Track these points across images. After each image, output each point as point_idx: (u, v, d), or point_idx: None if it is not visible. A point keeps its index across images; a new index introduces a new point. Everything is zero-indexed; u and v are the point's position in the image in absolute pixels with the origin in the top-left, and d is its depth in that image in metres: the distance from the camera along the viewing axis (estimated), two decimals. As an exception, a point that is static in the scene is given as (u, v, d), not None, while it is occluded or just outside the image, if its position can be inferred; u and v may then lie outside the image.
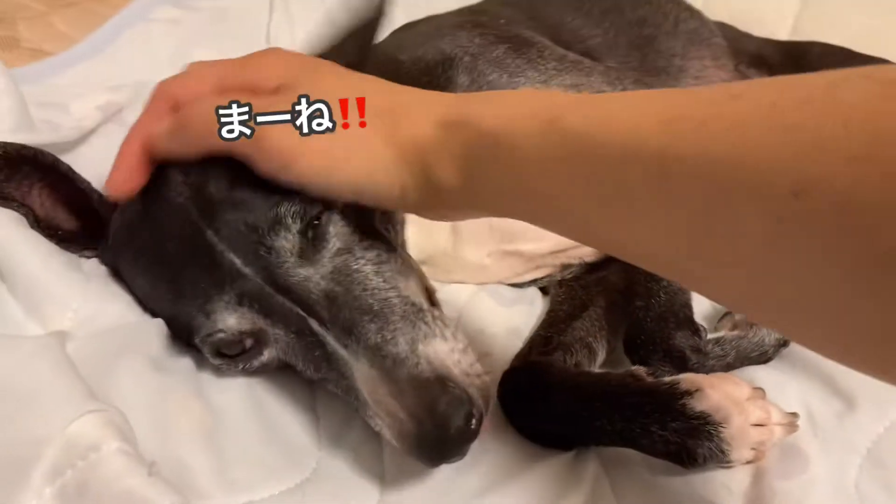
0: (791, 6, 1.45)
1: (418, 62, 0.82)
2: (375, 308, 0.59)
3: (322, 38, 0.72)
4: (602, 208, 0.45)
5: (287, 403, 0.64)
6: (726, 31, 1.20)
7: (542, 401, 0.65)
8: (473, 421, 0.55)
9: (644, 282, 0.76)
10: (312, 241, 0.60)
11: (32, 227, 0.68)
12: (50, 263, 0.66)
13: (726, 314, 0.80)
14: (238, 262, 0.58)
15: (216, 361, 0.63)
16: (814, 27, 1.41)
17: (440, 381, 0.55)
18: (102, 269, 0.70)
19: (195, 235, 0.59)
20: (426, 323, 0.59)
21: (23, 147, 0.67)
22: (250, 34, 1.16)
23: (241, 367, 0.63)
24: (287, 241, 0.59)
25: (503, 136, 0.49)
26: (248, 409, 0.62)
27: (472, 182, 0.52)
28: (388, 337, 0.57)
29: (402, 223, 0.75)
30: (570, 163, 0.45)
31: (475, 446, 0.56)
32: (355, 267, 0.61)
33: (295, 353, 0.61)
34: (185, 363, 0.65)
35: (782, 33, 1.42)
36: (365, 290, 0.60)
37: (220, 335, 0.60)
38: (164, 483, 0.47)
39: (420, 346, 0.57)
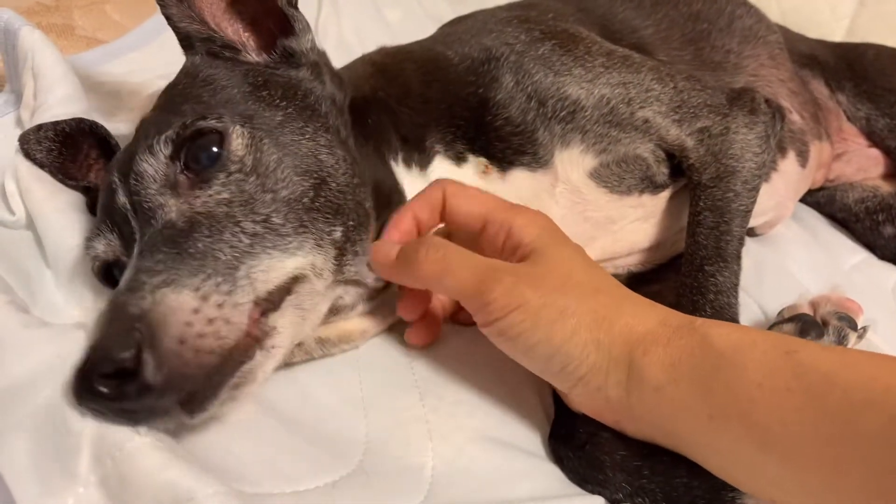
0: (847, 7, 1.42)
1: (465, 59, 0.81)
2: (190, 250, 0.55)
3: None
4: (817, 445, 0.45)
5: (333, 395, 0.64)
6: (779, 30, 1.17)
7: (593, 446, 0.62)
8: (129, 386, 0.48)
9: (690, 294, 0.75)
10: (192, 180, 0.60)
11: (89, 207, 0.70)
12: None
13: (773, 325, 0.78)
14: (120, 189, 0.61)
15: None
16: (871, 29, 1.38)
17: (129, 320, 0.49)
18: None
19: (108, 179, 0.63)
20: (209, 279, 0.54)
21: (80, 121, 0.70)
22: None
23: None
24: (150, 167, 0.59)
25: (732, 352, 0.51)
26: (294, 399, 0.62)
27: (678, 388, 0.53)
28: (158, 268, 0.53)
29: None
30: (801, 395, 0.47)
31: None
32: (239, 220, 0.58)
33: None
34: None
35: (837, 34, 1.39)
36: (210, 237, 0.57)
37: (96, 263, 0.63)
38: (203, 473, 0.48)
39: (166, 289, 0.52)
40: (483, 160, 0.79)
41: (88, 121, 0.70)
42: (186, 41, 0.70)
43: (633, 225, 0.85)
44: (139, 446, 0.48)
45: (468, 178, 0.78)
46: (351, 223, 0.65)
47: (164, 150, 0.59)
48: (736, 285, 0.76)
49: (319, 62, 0.73)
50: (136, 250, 0.57)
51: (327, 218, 0.63)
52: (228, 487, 0.47)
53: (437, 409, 0.64)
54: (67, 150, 0.70)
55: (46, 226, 0.66)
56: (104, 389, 0.48)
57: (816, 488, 0.46)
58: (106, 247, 0.62)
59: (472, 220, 0.66)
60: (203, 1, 0.69)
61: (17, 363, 0.52)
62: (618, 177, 0.81)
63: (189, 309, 0.52)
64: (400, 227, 0.68)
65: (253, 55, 0.71)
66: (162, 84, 0.89)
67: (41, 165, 0.69)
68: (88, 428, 0.48)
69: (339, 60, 0.90)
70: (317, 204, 0.63)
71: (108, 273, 0.64)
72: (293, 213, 0.61)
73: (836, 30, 1.40)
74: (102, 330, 0.50)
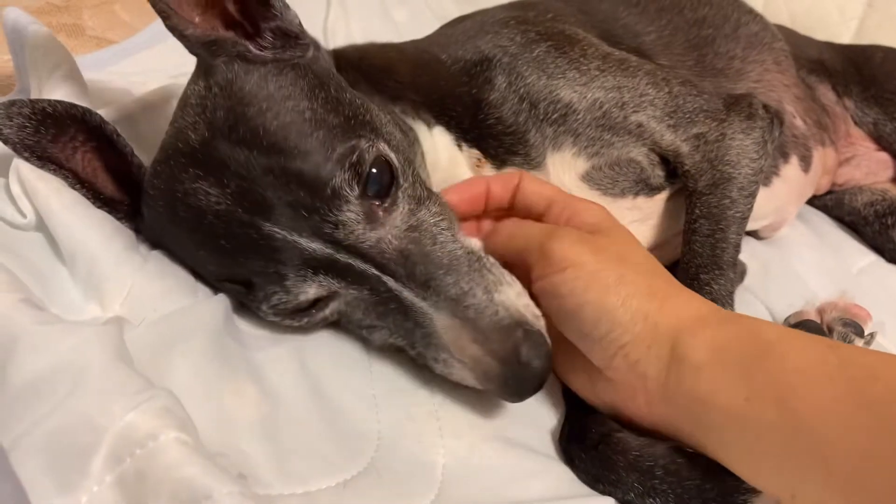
0: (855, 8, 1.41)
1: (458, 61, 0.82)
2: (445, 262, 0.62)
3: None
4: (852, 435, 0.46)
5: (345, 392, 0.64)
6: (786, 34, 1.17)
7: (605, 446, 0.62)
8: (548, 359, 0.60)
9: None
10: (384, 206, 0.63)
11: (73, 187, 0.68)
12: (111, 245, 0.67)
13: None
14: (303, 241, 0.60)
15: (276, 319, 0.66)
16: (879, 30, 1.37)
17: (519, 326, 0.59)
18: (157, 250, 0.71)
19: (251, 231, 0.60)
20: (489, 271, 0.63)
21: (72, 106, 0.68)
22: (307, 28, 1.16)
23: (302, 322, 0.66)
24: (351, 212, 0.61)
25: (777, 342, 0.52)
26: (305, 394, 0.62)
27: (720, 369, 0.54)
28: (466, 289, 0.61)
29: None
30: (843, 385, 0.48)
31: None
32: (431, 221, 0.65)
33: (363, 308, 0.64)
34: (239, 348, 0.65)
35: (846, 36, 1.39)
36: (434, 244, 0.63)
37: (300, 301, 0.64)
38: (223, 471, 0.47)
39: (495, 295, 0.61)
40: (476, 152, 0.80)
41: (81, 107, 0.68)
42: (196, 51, 0.65)
43: (629, 227, 0.84)
44: (162, 443, 0.48)
45: (462, 162, 0.80)
46: (417, 162, 0.72)
47: (351, 191, 0.61)
48: (731, 293, 0.76)
49: (314, 38, 0.72)
50: (399, 285, 0.61)
51: (422, 174, 0.71)
52: (244, 487, 0.47)
53: (449, 406, 0.64)
54: (47, 129, 0.67)
55: (57, 223, 0.65)
56: (548, 372, 0.60)
57: (841, 482, 0.46)
58: (319, 287, 0.63)
59: (539, 199, 0.71)
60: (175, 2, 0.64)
61: (32, 360, 0.51)
62: (611, 179, 0.81)
63: (516, 295, 0.63)
64: (471, 190, 0.73)
65: (254, 50, 0.67)
66: (170, 82, 0.90)
67: (5, 141, 0.66)
68: (113, 426, 0.48)
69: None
70: (415, 172, 0.69)
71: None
72: (424, 195, 0.67)
73: (844, 31, 1.40)
74: (511, 344, 0.59)
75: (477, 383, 0.61)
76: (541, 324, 0.62)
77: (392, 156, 0.64)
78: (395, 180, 0.64)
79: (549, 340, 0.61)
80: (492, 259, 0.65)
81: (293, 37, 0.68)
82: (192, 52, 0.65)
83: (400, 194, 0.64)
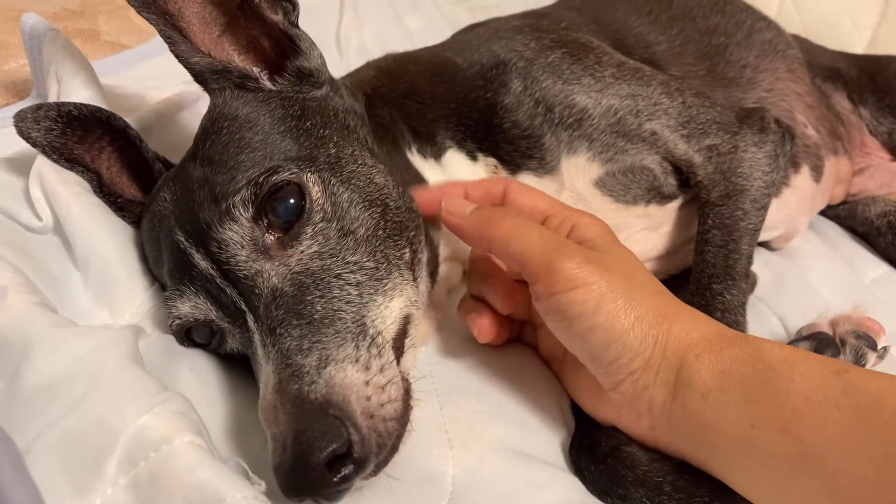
0: (869, 18, 1.41)
1: (473, 65, 0.82)
2: (316, 317, 0.56)
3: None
4: (860, 464, 0.45)
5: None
6: (800, 43, 1.16)
7: (615, 460, 0.61)
8: (347, 468, 0.50)
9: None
10: (282, 239, 0.59)
11: (96, 192, 0.70)
12: (125, 253, 0.68)
13: (790, 343, 0.78)
14: (197, 256, 0.59)
15: (190, 349, 0.64)
16: (892, 40, 1.37)
17: (322, 408, 0.50)
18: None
19: (171, 237, 0.61)
20: (359, 347, 0.55)
21: (97, 109, 0.69)
22: (320, 34, 1.16)
23: (213, 353, 0.65)
24: (234, 233, 0.58)
25: (782, 366, 0.51)
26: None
27: (725, 394, 0.53)
28: (304, 346, 0.54)
29: (433, 248, 0.73)
30: (849, 413, 0.47)
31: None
32: (337, 272, 0.59)
33: (244, 347, 0.61)
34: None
35: (858, 46, 1.39)
36: (323, 296, 0.57)
37: (177, 322, 0.62)
38: (236, 476, 0.48)
39: (329, 367, 0.53)
40: (493, 160, 0.80)
41: (106, 111, 0.70)
42: (200, 77, 0.68)
43: (639, 234, 0.85)
44: (176, 446, 0.48)
45: (480, 175, 0.80)
46: (411, 233, 0.66)
47: (244, 212, 0.58)
48: (744, 303, 0.76)
49: (332, 77, 0.73)
50: (255, 325, 0.57)
51: (396, 242, 0.64)
52: (257, 492, 0.47)
53: (457, 418, 0.64)
54: (73, 131, 0.69)
55: (74, 227, 0.66)
56: (335, 478, 0.49)
57: None
58: (192, 309, 0.61)
59: (534, 211, 0.67)
60: (195, 34, 0.67)
61: (49, 362, 0.52)
62: (623, 186, 0.81)
63: (361, 383, 0.53)
64: (451, 192, 0.70)
65: (267, 82, 0.69)
66: (183, 88, 0.91)
67: (34, 144, 0.68)
68: (127, 429, 0.48)
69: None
70: (387, 232, 0.63)
71: (188, 333, 0.64)
72: (378, 252, 0.62)
73: (857, 42, 1.40)
74: (296, 423, 0.50)
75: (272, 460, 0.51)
76: (375, 426, 0.52)
77: (314, 189, 0.60)
78: (304, 214, 0.59)
79: (362, 445, 0.50)
80: (380, 341, 0.57)
81: (309, 75, 0.70)
82: (195, 79, 0.68)
83: (308, 230, 0.59)
